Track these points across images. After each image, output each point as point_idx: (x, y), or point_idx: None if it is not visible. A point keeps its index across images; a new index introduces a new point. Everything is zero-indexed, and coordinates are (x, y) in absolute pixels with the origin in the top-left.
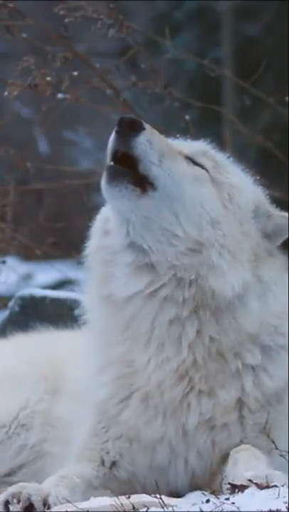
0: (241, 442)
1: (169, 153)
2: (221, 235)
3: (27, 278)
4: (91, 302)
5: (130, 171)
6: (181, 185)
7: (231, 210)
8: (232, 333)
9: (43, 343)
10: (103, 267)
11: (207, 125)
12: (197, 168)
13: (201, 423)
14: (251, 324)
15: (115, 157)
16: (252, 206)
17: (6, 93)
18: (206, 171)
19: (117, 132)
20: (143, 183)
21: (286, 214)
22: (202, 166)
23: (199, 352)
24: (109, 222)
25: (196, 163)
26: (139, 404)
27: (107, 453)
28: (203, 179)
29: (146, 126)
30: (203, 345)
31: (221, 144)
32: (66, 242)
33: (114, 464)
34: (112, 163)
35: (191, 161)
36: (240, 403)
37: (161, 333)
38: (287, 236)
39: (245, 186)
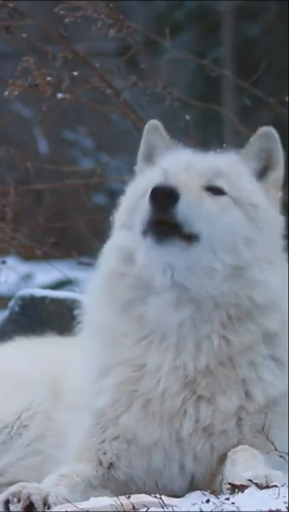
0: (239, 443)
1: (199, 196)
2: (258, 250)
3: (27, 278)
4: (98, 307)
5: (176, 230)
6: (216, 223)
7: (258, 219)
8: (252, 334)
9: (53, 348)
10: (129, 292)
11: (207, 125)
12: (219, 197)
13: (197, 430)
14: (276, 322)
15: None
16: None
17: (6, 93)
18: (226, 194)
19: (153, 203)
20: (189, 237)
21: None
22: (222, 191)
23: (215, 358)
24: (133, 254)
25: (216, 190)
26: (140, 411)
27: (104, 454)
28: (227, 206)
29: (182, 189)
30: (221, 350)
31: (221, 144)
32: (66, 242)
33: (111, 465)
34: (154, 225)
35: (211, 190)
36: (240, 409)
37: (185, 346)
38: None
39: (258, 189)
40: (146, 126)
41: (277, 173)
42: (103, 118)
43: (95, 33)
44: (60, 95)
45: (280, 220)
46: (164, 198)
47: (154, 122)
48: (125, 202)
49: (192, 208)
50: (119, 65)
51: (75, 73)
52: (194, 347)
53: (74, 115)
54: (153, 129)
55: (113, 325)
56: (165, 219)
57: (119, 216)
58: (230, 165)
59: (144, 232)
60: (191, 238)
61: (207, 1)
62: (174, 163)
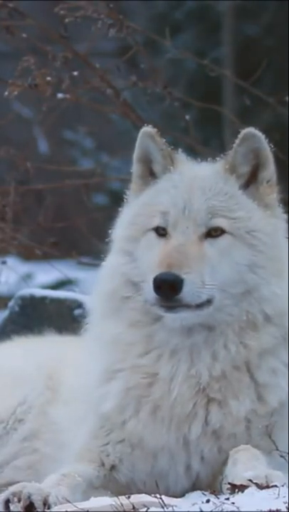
0: (246, 444)
1: (202, 262)
2: (263, 271)
3: (27, 278)
4: (102, 324)
5: (185, 306)
6: (222, 270)
7: (257, 243)
8: (273, 337)
9: (50, 346)
10: (136, 315)
11: (207, 125)
12: (220, 238)
13: (206, 432)
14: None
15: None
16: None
17: (6, 93)
18: (226, 232)
19: (158, 293)
20: (200, 305)
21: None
22: (222, 229)
23: (231, 363)
24: (136, 282)
25: (215, 230)
26: (148, 416)
27: (107, 456)
28: (229, 245)
29: (186, 275)
30: (239, 355)
31: (221, 143)
32: (66, 242)
33: (113, 467)
34: (161, 306)
35: (211, 232)
36: (251, 412)
37: (200, 358)
38: None
39: (253, 209)
40: (141, 133)
41: (269, 171)
42: (103, 118)
43: (95, 33)
44: (60, 95)
45: (280, 225)
46: (168, 289)
47: (148, 130)
48: (122, 225)
49: (198, 286)
50: (119, 65)
51: (75, 73)
52: (210, 357)
53: (74, 115)
54: (147, 135)
55: (119, 336)
56: (173, 304)
57: (118, 240)
58: (220, 192)
59: (153, 305)
60: (202, 305)
61: (207, 1)
62: (171, 202)
